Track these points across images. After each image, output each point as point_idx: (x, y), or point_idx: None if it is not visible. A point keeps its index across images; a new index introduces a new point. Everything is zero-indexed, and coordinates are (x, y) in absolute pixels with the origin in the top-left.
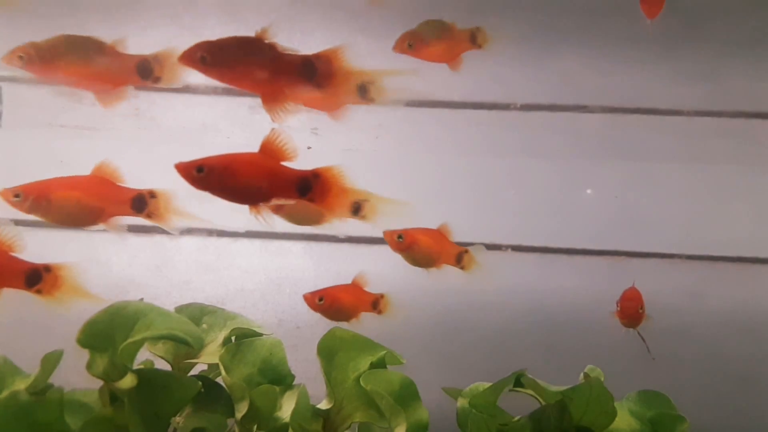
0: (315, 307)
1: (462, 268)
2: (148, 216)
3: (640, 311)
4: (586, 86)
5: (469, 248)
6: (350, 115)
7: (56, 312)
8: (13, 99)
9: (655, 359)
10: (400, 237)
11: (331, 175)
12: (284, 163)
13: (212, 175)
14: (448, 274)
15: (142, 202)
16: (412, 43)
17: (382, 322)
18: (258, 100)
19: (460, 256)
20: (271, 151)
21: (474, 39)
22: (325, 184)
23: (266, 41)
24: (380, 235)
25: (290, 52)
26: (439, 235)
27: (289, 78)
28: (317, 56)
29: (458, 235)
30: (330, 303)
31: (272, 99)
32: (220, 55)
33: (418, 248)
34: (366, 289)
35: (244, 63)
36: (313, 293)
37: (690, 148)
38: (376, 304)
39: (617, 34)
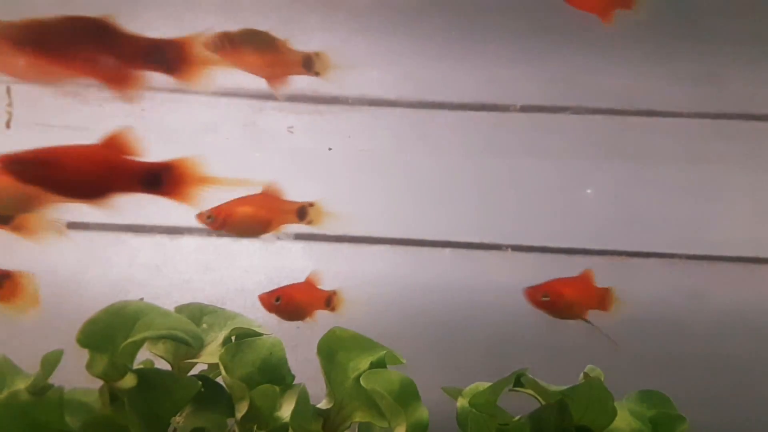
0: (271, 308)
1: (309, 222)
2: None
3: (544, 299)
4: (585, 87)
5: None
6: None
7: (8, 319)
8: (14, 99)
9: (618, 348)
10: (210, 217)
11: (186, 166)
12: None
13: (29, 168)
14: None
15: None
16: (220, 45)
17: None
18: (260, 101)
19: (302, 210)
20: (113, 144)
21: (309, 64)
22: (180, 176)
23: (109, 22)
24: (380, 234)
25: (138, 36)
26: (265, 197)
27: (137, 62)
28: (169, 42)
29: (459, 234)
30: (287, 302)
31: (118, 83)
32: (49, 37)
33: (235, 220)
34: (319, 286)
35: (80, 46)
36: (269, 293)
37: (690, 149)
38: (329, 301)
39: (617, 34)
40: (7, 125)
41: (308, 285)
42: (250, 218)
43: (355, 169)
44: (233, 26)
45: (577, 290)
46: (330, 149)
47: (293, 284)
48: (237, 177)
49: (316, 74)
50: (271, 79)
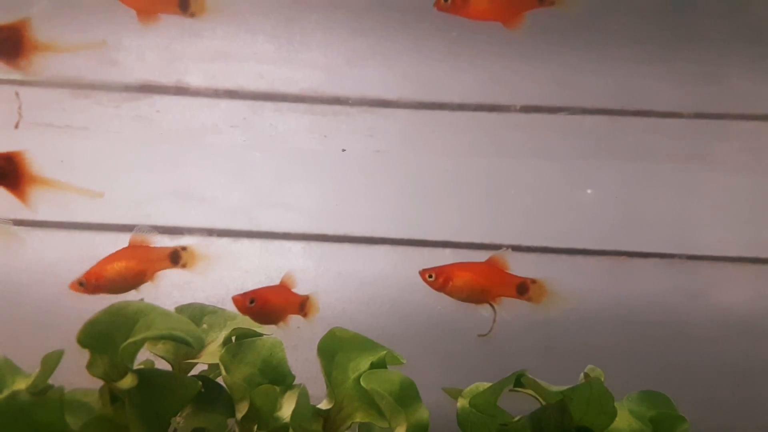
0: (245, 310)
1: (184, 266)
2: None
3: (430, 278)
4: (586, 87)
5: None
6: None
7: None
8: (26, 101)
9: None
10: (82, 284)
11: (20, 160)
12: None
13: None
14: None
15: None
16: None
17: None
18: (259, 103)
19: (175, 255)
20: None
21: (185, 5)
22: (19, 169)
23: None
24: (380, 234)
25: None
26: (133, 249)
27: None
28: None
29: (459, 234)
30: (262, 305)
31: None
32: None
33: (107, 279)
34: (294, 290)
35: None
36: (244, 295)
37: (690, 149)
38: (302, 306)
39: (617, 34)
40: (16, 126)
41: (283, 288)
42: (123, 273)
43: (354, 170)
44: (232, 26)
45: (478, 275)
46: (343, 150)
47: (268, 286)
48: (73, 184)
49: (192, 15)
50: (141, 13)
